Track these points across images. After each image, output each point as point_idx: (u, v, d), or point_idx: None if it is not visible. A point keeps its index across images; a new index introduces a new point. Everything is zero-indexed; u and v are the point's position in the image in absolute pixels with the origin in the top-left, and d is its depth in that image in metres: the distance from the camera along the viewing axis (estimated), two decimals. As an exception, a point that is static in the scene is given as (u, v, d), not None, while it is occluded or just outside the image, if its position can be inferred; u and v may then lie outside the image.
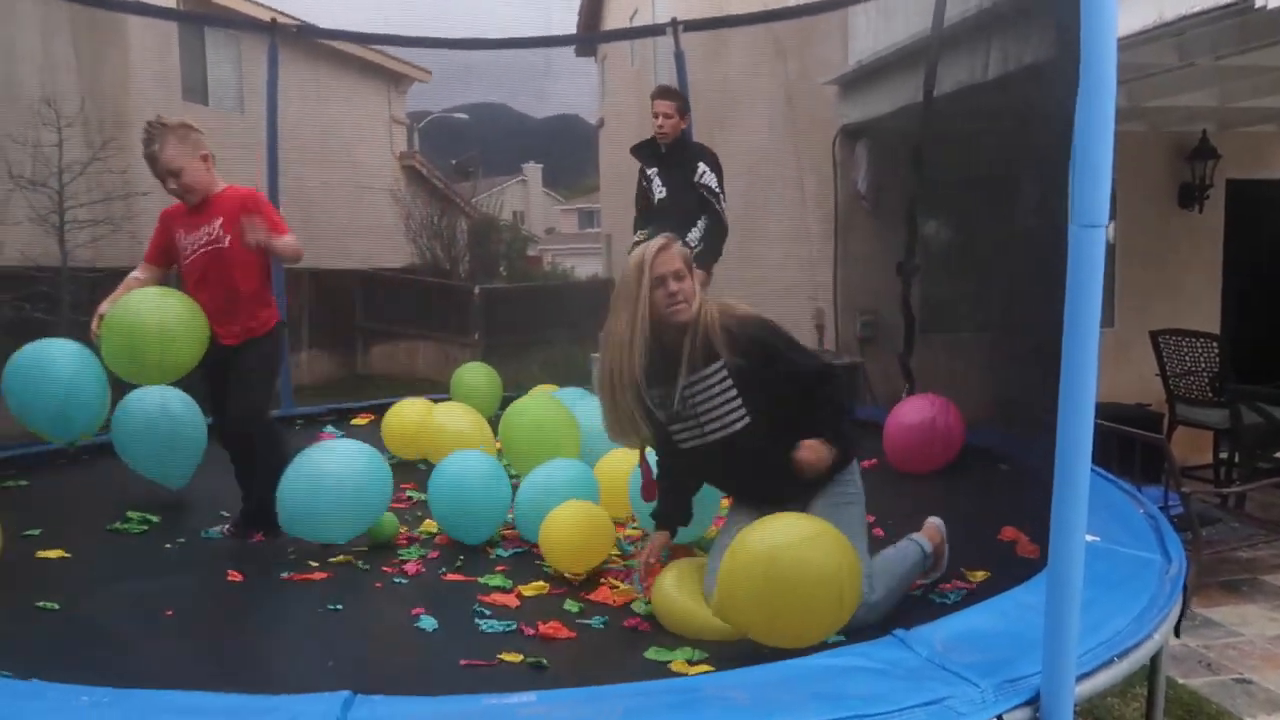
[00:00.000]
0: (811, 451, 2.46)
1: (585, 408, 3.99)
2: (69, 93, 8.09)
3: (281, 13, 7.36)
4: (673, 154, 4.74)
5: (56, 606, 2.53)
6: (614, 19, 16.12)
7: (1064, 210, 1.69)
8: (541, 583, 2.91)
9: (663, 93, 4.79)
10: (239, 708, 1.65)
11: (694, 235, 4.60)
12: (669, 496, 2.79)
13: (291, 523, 3.07)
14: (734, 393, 2.51)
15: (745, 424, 2.52)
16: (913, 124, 6.02)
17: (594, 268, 24.05)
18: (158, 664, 2.22)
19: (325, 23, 7.39)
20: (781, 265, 7.28)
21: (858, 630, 2.20)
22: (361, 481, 3.10)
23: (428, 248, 17.51)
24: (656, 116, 4.71)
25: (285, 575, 2.92)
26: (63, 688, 1.81)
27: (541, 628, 2.48)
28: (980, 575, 2.69)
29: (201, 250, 3.35)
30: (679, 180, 4.69)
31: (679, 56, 5.95)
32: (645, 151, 4.93)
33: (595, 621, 2.60)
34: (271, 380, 3.62)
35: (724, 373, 2.51)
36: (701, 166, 4.63)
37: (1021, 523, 2.86)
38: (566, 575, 2.91)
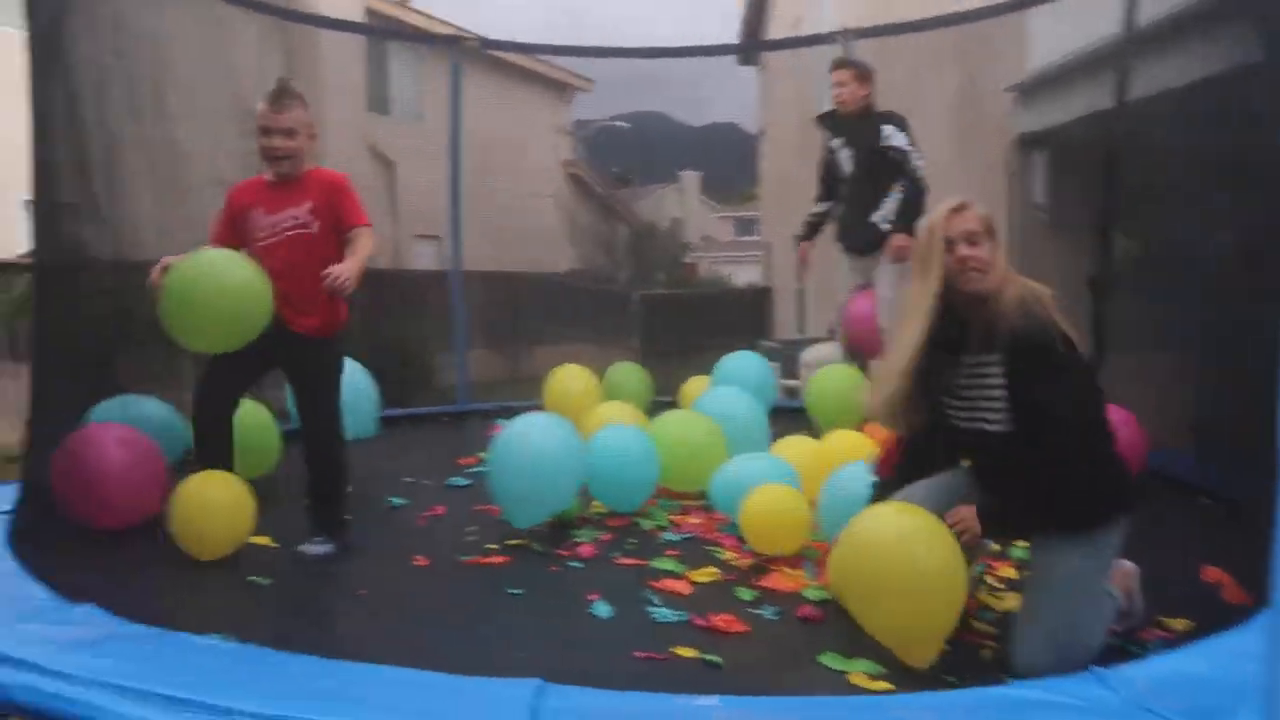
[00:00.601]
0: (957, 519, 2.24)
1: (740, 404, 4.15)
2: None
3: (459, 28, 7.72)
4: (857, 123, 4.65)
5: (266, 582, 2.75)
6: (777, 29, 16.06)
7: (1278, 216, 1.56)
8: (713, 568, 2.94)
9: (839, 63, 4.76)
10: (440, 686, 1.76)
11: (888, 209, 4.51)
12: (903, 471, 2.55)
13: (508, 504, 3.24)
14: (1001, 392, 2.26)
15: (999, 430, 2.29)
16: (1099, 131, 5.73)
17: (751, 276, 23.97)
18: (354, 640, 2.38)
19: (498, 35, 7.69)
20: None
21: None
22: (567, 459, 3.27)
23: (590, 253, 17.95)
24: (834, 87, 4.66)
25: (465, 559, 3.06)
26: (279, 655, 1.96)
27: (713, 619, 2.49)
28: (1181, 624, 2.46)
29: (286, 233, 3.09)
30: (865, 149, 4.59)
31: (848, 65, 5.87)
32: (829, 121, 4.86)
33: (767, 612, 2.59)
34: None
35: (1000, 367, 2.26)
36: (887, 129, 4.51)
37: (1227, 563, 2.65)
38: (756, 551, 2.98)
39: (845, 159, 4.75)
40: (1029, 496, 2.24)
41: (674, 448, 3.77)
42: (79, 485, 3.03)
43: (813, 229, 5.10)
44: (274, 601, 2.67)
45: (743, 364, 5.02)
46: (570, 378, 5.05)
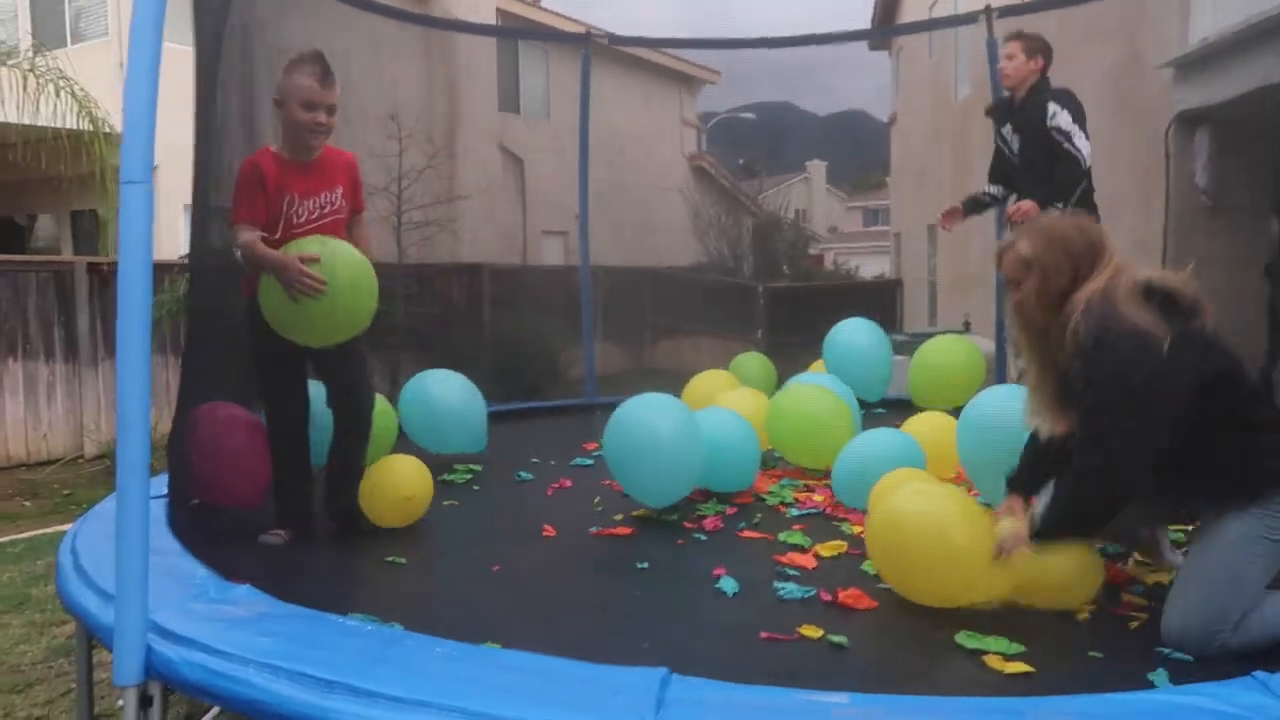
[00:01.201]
0: (1002, 535, 2.25)
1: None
2: (409, 107, 9.09)
3: (589, 25, 7.80)
4: (1024, 103, 4.26)
5: (404, 561, 2.84)
6: (911, 12, 15.57)
7: None
8: (840, 542, 2.87)
9: (1011, 36, 4.33)
10: (571, 674, 1.76)
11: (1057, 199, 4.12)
12: (1026, 462, 2.53)
13: (635, 489, 3.23)
14: (1073, 396, 2.26)
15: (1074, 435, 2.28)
16: (1270, 107, 5.30)
17: (880, 267, 23.41)
18: (489, 620, 2.42)
19: (623, 31, 7.75)
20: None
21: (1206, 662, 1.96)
22: (692, 446, 3.24)
23: (715, 246, 17.89)
24: (1002, 60, 4.29)
25: (594, 530, 3.08)
26: (418, 638, 2.01)
27: (841, 595, 2.42)
28: None
29: (323, 221, 2.93)
30: (1032, 131, 4.18)
31: (991, 45, 5.60)
32: (999, 110, 4.47)
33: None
34: None
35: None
36: (1053, 107, 4.10)
37: None
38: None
39: (1014, 145, 4.37)
40: (1055, 503, 2.25)
41: (799, 422, 3.75)
42: (202, 463, 2.98)
43: (973, 205, 4.69)
44: (413, 581, 2.74)
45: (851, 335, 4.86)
46: (708, 383, 4.85)
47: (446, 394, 4.10)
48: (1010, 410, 2.72)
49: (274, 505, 3.00)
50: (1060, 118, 4.06)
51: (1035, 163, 4.18)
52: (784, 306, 14.22)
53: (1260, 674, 1.73)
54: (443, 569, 2.87)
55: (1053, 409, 2.36)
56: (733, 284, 15.51)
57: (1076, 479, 2.22)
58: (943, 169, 12.89)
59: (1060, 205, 4.04)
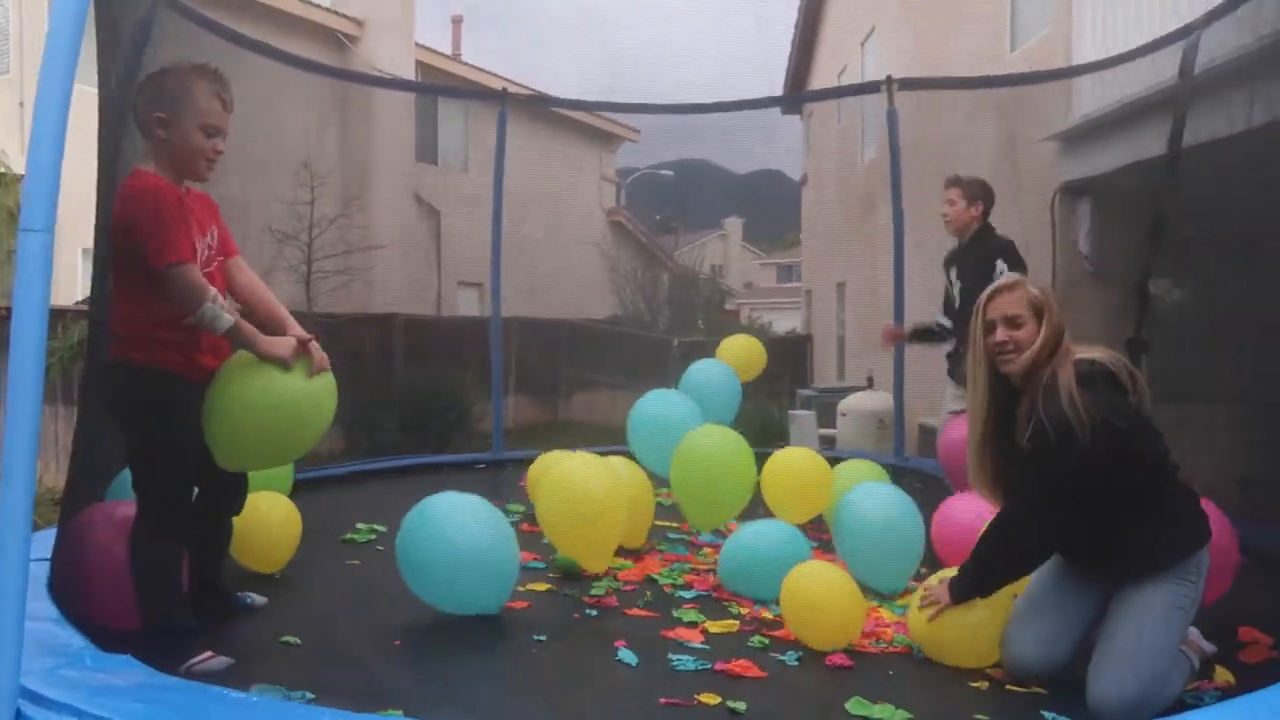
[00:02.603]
0: (926, 591, 2.51)
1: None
2: (322, 154, 9.02)
3: (508, 79, 7.91)
4: (969, 250, 4.29)
5: (298, 641, 2.66)
6: (821, 76, 16.21)
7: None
8: (731, 621, 2.94)
9: (950, 181, 4.36)
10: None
11: None
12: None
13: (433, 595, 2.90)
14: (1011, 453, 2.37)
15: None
16: (1145, 180, 5.67)
17: (792, 323, 23.92)
18: (384, 688, 2.37)
19: (542, 86, 7.90)
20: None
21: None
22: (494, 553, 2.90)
23: (631, 300, 18.06)
24: (944, 205, 4.33)
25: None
26: (313, 709, 1.96)
27: (733, 665, 2.48)
28: (1228, 676, 2.44)
29: (213, 263, 2.54)
30: (973, 279, 4.08)
31: (892, 115, 5.90)
32: (949, 255, 4.48)
33: (789, 657, 2.59)
34: None
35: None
36: (1000, 264, 4.04)
37: (1266, 620, 2.58)
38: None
39: (955, 292, 4.36)
40: (973, 554, 2.44)
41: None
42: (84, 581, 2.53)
43: (923, 334, 4.69)
44: (307, 647, 2.66)
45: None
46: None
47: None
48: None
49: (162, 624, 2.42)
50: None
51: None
52: (699, 360, 14.38)
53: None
54: (337, 635, 2.80)
55: (1000, 471, 2.44)
56: (648, 337, 15.65)
57: (993, 525, 2.36)
58: (849, 229, 13.34)
59: None
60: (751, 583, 3.18)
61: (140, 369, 2.40)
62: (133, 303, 2.43)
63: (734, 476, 3.71)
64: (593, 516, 3.25)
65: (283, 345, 2.42)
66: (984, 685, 2.38)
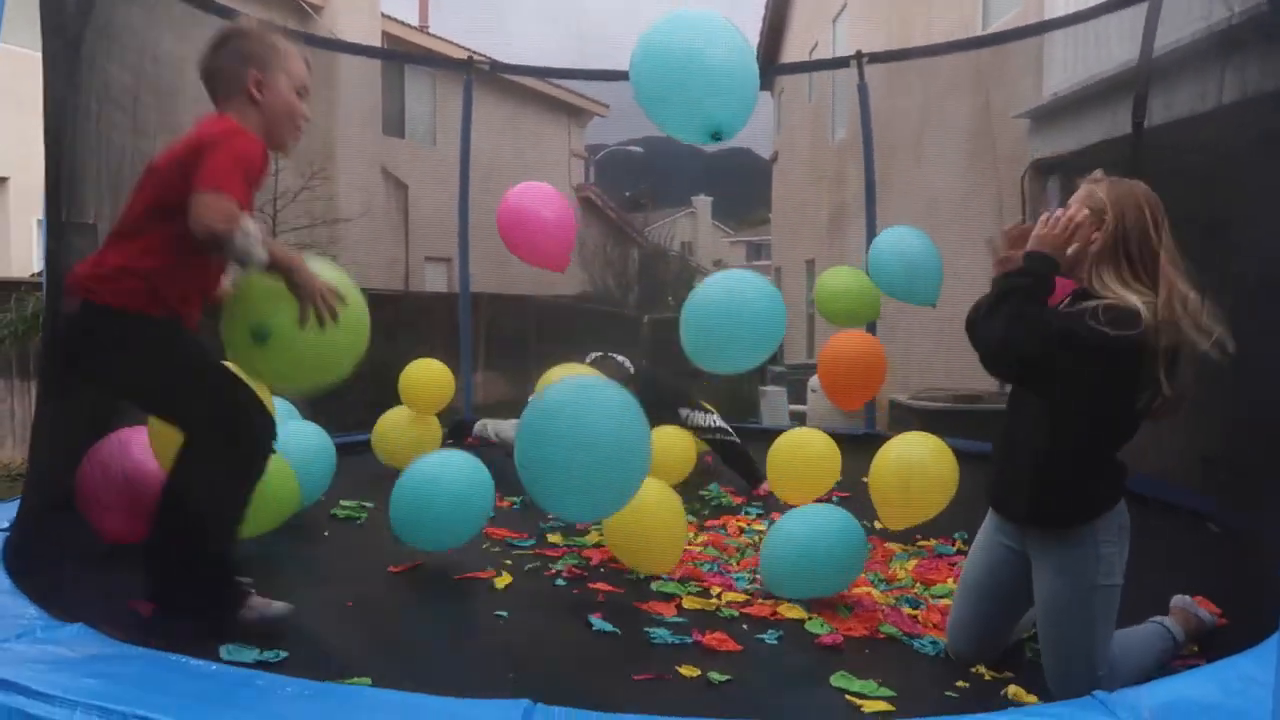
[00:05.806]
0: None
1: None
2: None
3: (475, 52, 7.76)
4: None
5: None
6: (792, 53, 16.15)
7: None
8: (710, 600, 2.88)
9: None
10: (425, 708, 1.71)
11: None
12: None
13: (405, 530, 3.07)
14: None
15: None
16: (1112, 158, 5.70)
17: (761, 300, 23.94)
18: (344, 659, 2.33)
19: (513, 60, 7.77)
20: (969, 305, 7.02)
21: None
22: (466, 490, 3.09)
23: (600, 276, 17.98)
24: None
25: (456, 577, 2.99)
26: (267, 677, 1.91)
27: (707, 636, 2.45)
28: (1190, 649, 2.44)
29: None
30: None
31: (862, 89, 5.86)
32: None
33: (769, 636, 2.54)
34: None
35: None
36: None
37: (1229, 590, 2.60)
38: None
39: None
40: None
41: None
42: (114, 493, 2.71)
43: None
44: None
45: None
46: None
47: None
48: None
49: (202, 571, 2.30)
50: None
51: None
52: (667, 336, 14.37)
53: (1100, 694, 1.81)
54: (299, 603, 2.75)
55: None
56: (617, 313, 15.61)
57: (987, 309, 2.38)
58: (819, 205, 13.35)
59: None
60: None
61: (113, 308, 2.20)
62: (144, 255, 2.20)
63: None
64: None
65: (292, 264, 2.22)
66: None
